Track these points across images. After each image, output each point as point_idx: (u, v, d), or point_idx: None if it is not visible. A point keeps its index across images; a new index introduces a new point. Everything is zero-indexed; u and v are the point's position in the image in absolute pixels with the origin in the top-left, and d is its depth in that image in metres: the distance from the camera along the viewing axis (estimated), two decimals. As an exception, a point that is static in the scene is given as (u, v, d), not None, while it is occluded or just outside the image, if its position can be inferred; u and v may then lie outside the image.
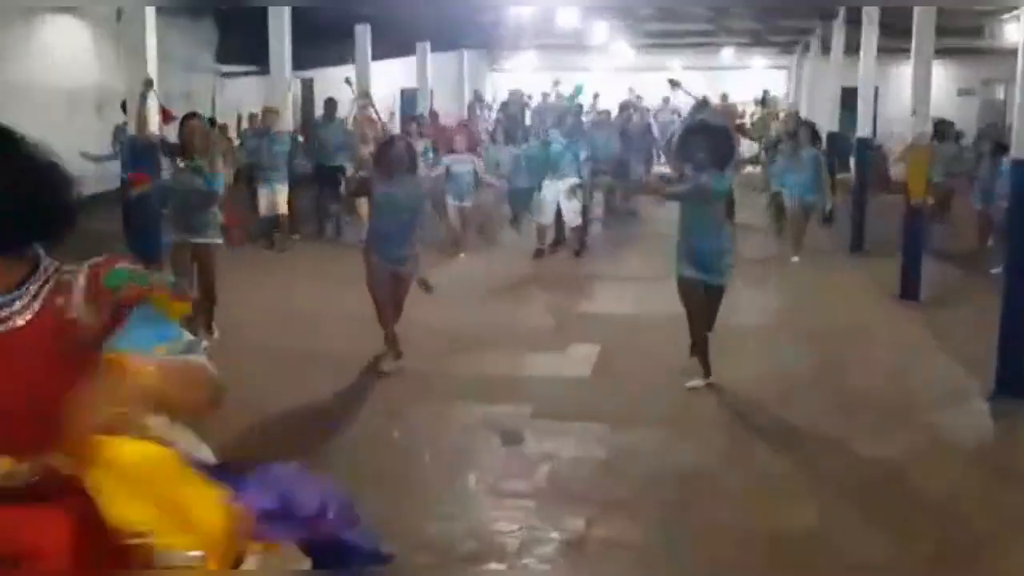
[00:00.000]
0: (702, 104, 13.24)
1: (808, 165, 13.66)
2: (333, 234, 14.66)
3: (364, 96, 15.79)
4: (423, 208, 8.16)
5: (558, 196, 12.96)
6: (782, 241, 13.99)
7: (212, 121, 13.11)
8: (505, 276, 11.89)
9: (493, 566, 4.48)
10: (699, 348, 7.35)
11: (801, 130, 14.26)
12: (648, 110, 24.32)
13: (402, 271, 7.66)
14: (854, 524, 4.97)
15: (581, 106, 18.42)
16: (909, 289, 10.71)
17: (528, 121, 23.35)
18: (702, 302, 7.29)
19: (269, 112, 14.10)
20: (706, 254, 7.26)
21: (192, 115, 8.73)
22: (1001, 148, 12.54)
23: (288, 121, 15.03)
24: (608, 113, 17.96)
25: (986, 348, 7.41)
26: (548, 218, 13.33)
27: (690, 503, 5.24)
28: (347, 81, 16.69)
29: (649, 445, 6.13)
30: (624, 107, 19.69)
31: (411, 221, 7.73)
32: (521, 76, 29.76)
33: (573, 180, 12.87)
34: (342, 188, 13.73)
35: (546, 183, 13.15)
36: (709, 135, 7.54)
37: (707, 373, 7.30)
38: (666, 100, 25.32)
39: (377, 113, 15.36)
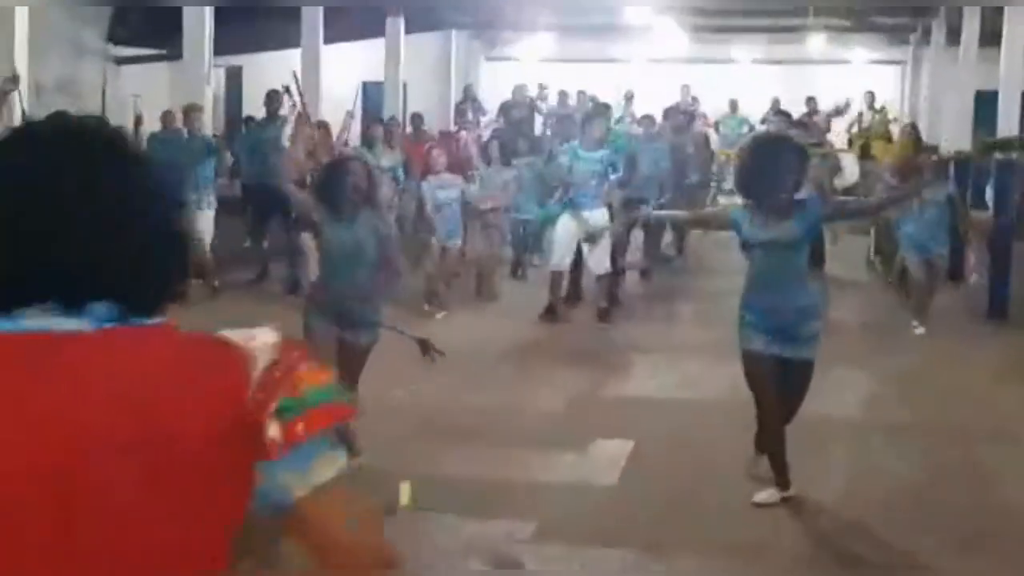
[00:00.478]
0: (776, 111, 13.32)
1: (935, 208, 13.60)
2: (274, 280, 14.71)
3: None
4: (388, 253, 8.11)
5: (578, 233, 13.06)
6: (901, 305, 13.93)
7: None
8: (505, 344, 11.99)
9: None
10: (772, 448, 7.34)
11: (934, 161, 14.05)
12: (706, 117, 24.37)
13: (356, 341, 7.68)
14: None
15: (609, 107, 18.50)
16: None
17: (538, 131, 23.24)
18: (778, 385, 7.29)
19: (192, 110, 14.18)
20: (785, 318, 7.32)
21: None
22: None
23: (207, 123, 15.17)
24: (652, 120, 18.01)
25: None
26: (563, 263, 13.28)
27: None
28: (294, 76, 16.77)
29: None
30: (674, 113, 19.71)
31: (369, 273, 7.77)
32: (529, 68, 29.59)
33: (600, 212, 12.99)
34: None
35: (562, 216, 13.22)
36: (778, 153, 7.66)
37: (783, 484, 7.26)
38: (733, 105, 25.45)
39: (307, 114, 15.01)
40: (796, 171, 7.53)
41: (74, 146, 2.06)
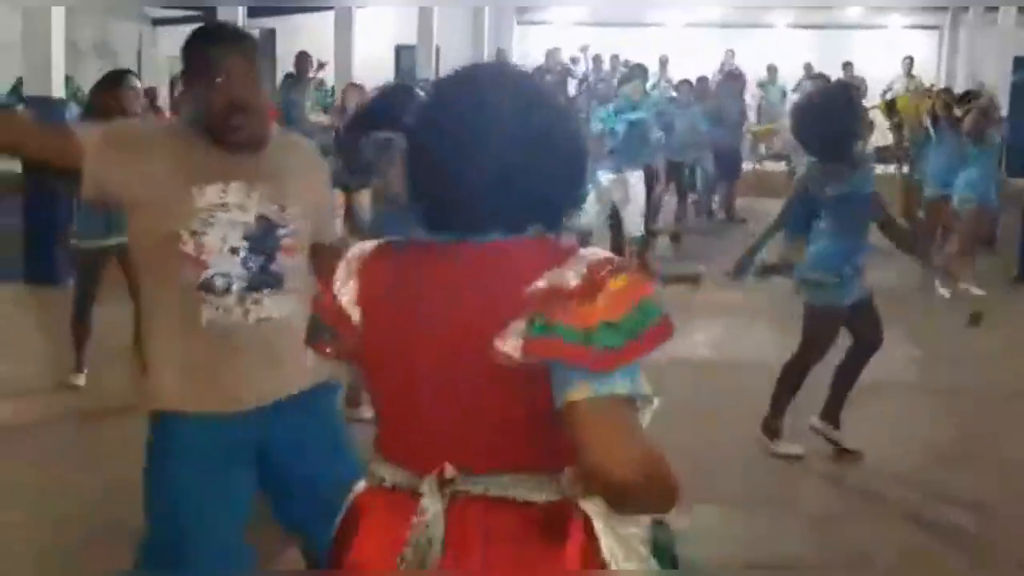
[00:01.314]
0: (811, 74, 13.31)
1: (982, 159, 13.51)
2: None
3: None
4: None
5: (614, 194, 13.17)
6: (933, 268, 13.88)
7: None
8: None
9: None
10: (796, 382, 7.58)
11: (971, 115, 14.05)
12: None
13: None
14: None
15: (645, 70, 18.42)
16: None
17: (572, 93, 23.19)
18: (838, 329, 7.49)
19: None
20: (860, 265, 7.48)
21: (122, 75, 8.52)
22: None
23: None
24: (690, 84, 18.05)
25: None
26: (593, 223, 13.28)
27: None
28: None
29: (717, 532, 6.21)
30: (726, 76, 19.59)
31: None
32: (562, 31, 29.65)
33: (637, 174, 13.21)
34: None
35: (597, 178, 13.16)
36: (848, 102, 7.70)
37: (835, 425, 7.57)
38: (772, 71, 25.30)
39: None
40: (861, 121, 7.69)
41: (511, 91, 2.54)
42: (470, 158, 2.44)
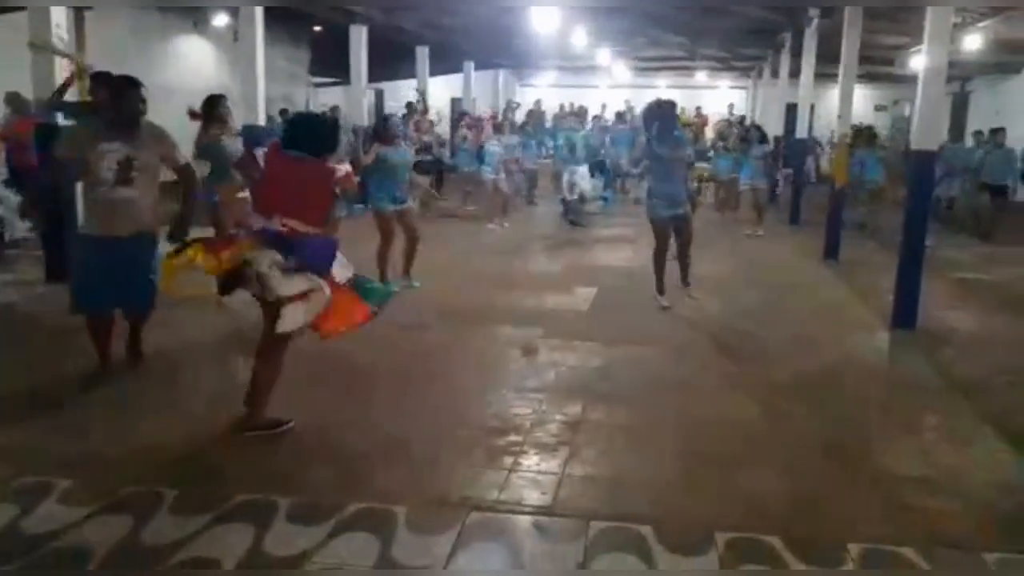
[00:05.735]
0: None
1: (761, 159, 13.57)
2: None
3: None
4: None
5: (572, 178, 13.23)
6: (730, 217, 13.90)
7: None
8: (533, 238, 11.99)
9: (512, 437, 4.62)
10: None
11: (752, 131, 14.10)
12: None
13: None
14: (777, 413, 5.10)
15: (586, 110, 18.16)
16: (831, 252, 10.80)
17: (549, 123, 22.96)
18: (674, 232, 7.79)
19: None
20: (678, 196, 7.66)
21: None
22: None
23: (363, 120, 15.16)
24: (620, 116, 18.03)
25: (886, 294, 7.53)
26: (568, 194, 13.35)
27: (661, 395, 5.35)
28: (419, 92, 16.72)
29: (633, 356, 6.24)
30: (620, 114, 19.55)
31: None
32: (542, 90, 29.33)
33: (584, 167, 13.42)
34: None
35: (567, 168, 13.41)
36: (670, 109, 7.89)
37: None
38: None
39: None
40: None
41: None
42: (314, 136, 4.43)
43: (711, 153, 15.61)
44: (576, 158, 13.31)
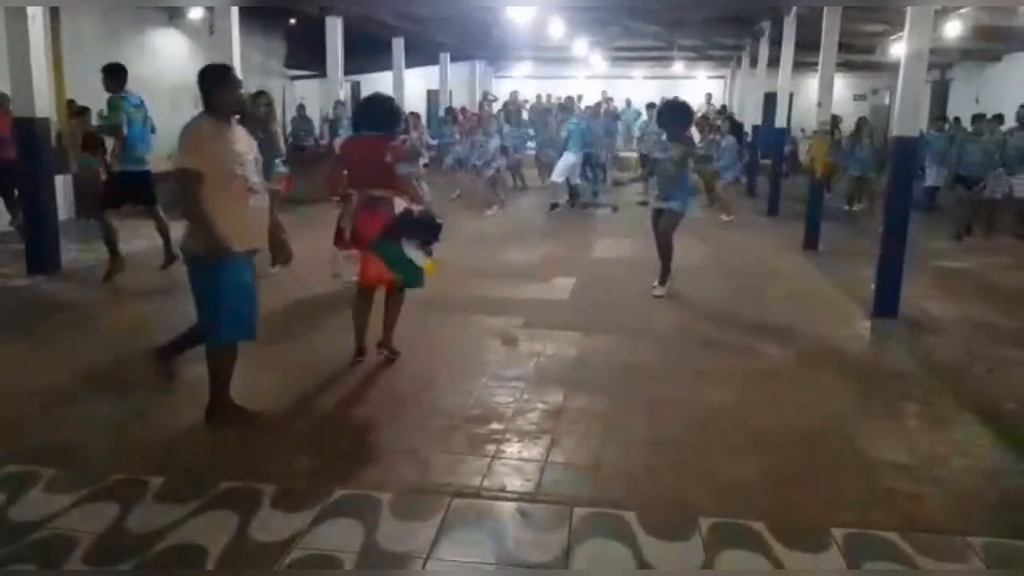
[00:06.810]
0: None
1: (730, 150, 13.69)
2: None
3: None
4: None
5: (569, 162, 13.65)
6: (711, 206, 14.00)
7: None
8: (513, 227, 11.95)
9: (494, 425, 4.65)
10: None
11: (722, 122, 14.06)
12: (616, 109, 24.06)
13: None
14: (757, 400, 5.16)
15: (573, 100, 18.17)
16: (811, 242, 10.88)
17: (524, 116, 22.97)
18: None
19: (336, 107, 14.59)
20: (669, 190, 7.81)
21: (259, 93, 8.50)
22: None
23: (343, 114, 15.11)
24: (596, 107, 17.92)
25: (867, 284, 7.60)
26: (557, 179, 13.73)
27: (640, 383, 5.40)
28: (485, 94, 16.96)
29: (610, 345, 6.29)
30: (597, 104, 19.62)
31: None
32: (518, 81, 29.25)
33: (566, 154, 13.64)
34: None
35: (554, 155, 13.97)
36: (679, 108, 8.08)
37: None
38: (628, 102, 25.15)
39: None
40: (685, 118, 7.96)
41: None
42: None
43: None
44: (575, 147, 13.65)
